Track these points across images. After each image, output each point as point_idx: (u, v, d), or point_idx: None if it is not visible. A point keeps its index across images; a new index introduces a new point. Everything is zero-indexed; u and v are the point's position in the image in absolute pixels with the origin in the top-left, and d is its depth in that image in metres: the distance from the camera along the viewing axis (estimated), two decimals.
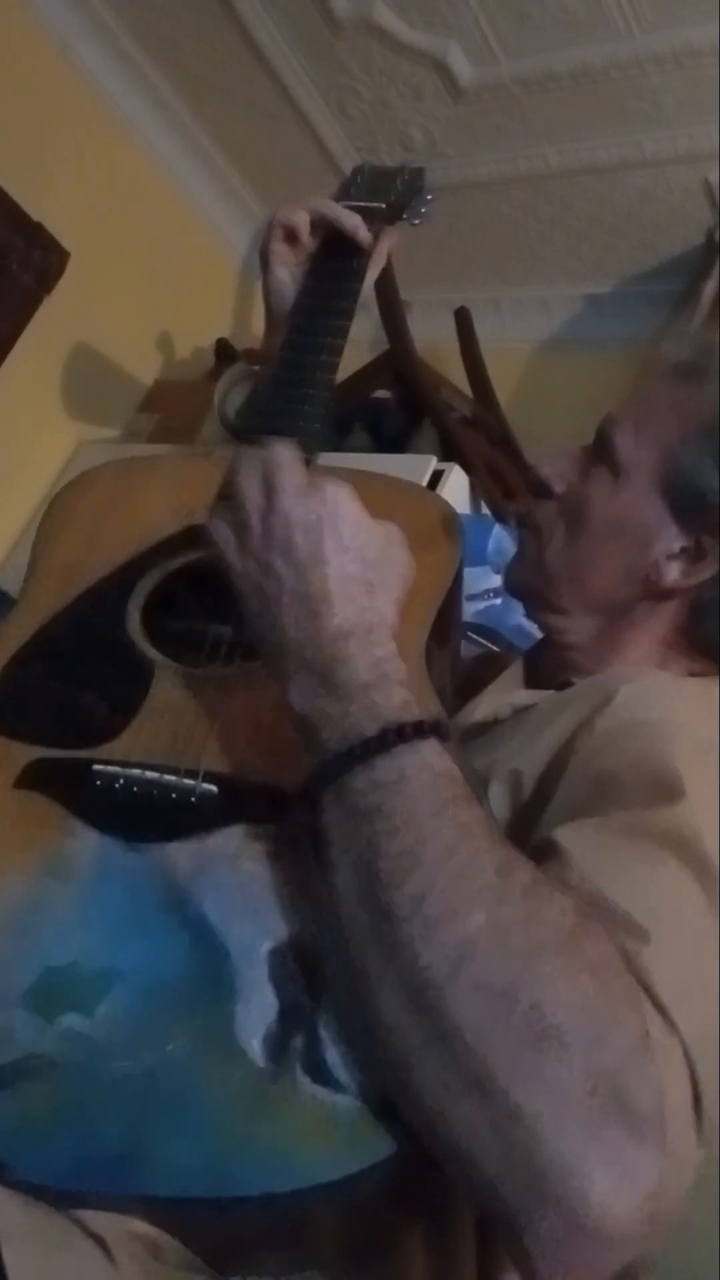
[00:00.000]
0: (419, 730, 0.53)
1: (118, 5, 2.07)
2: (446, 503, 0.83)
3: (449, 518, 0.79)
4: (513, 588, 0.85)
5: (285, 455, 0.63)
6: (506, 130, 2.06)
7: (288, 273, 0.90)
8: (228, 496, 0.63)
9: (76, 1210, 0.49)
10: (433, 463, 1.78)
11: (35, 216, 2.05)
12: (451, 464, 1.79)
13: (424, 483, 1.74)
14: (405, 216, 0.95)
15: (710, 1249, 0.81)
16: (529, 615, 0.85)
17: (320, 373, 0.78)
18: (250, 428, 0.74)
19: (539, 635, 0.87)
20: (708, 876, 0.53)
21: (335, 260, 0.89)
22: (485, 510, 1.86)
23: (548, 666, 0.81)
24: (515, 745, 0.68)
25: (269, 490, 0.61)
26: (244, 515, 0.61)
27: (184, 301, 2.41)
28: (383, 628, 0.59)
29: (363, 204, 0.92)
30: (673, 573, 0.75)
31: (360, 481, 0.84)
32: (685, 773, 0.57)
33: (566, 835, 0.55)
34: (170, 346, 2.44)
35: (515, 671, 0.84)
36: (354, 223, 0.88)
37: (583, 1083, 0.42)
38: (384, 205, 0.93)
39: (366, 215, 0.92)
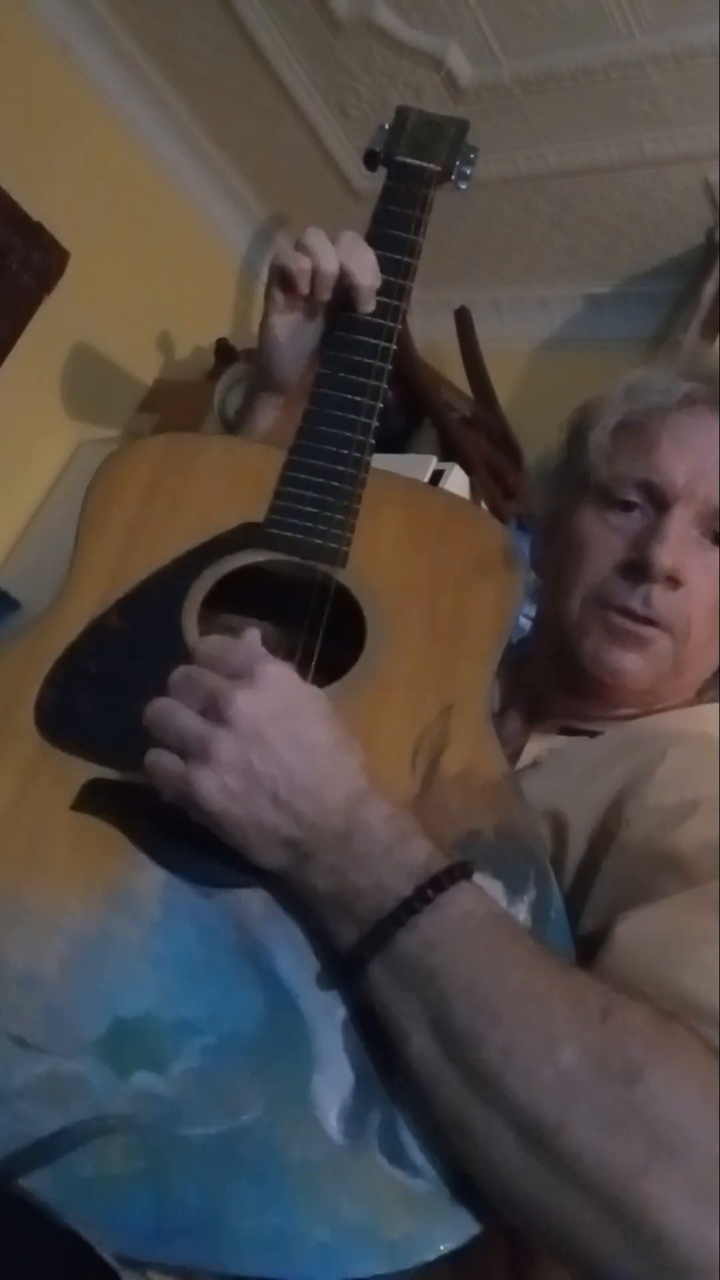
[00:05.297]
0: (451, 876, 0.51)
1: (117, 5, 2.08)
2: (507, 531, 0.76)
3: (510, 549, 0.71)
4: (636, 687, 0.72)
5: (211, 651, 0.57)
6: (506, 130, 2.06)
7: (285, 331, 0.79)
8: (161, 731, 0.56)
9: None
10: (433, 463, 1.79)
11: (35, 216, 2.05)
12: (451, 464, 1.80)
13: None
14: (454, 179, 0.84)
15: None
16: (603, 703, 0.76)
17: (346, 480, 0.71)
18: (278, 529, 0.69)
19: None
20: None
21: (351, 339, 0.76)
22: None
23: (594, 704, 0.75)
24: (553, 784, 0.65)
25: (210, 699, 0.55)
26: (196, 736, 0.54)
27: (184, 301, 2.42)
28: (374, 783, 0.55)
29: (418, 163, 0.83)
30: None
31: (416, 497, 0.75)
32: None
33: (629, 929, 0.53)
34: (170, 346, 2.44)
35: None
36: (368, 285, 0.75)
37: (712, 1184, 0.42)
38: (438, 168, 0.82)
39: (419, 176, 0.82)
